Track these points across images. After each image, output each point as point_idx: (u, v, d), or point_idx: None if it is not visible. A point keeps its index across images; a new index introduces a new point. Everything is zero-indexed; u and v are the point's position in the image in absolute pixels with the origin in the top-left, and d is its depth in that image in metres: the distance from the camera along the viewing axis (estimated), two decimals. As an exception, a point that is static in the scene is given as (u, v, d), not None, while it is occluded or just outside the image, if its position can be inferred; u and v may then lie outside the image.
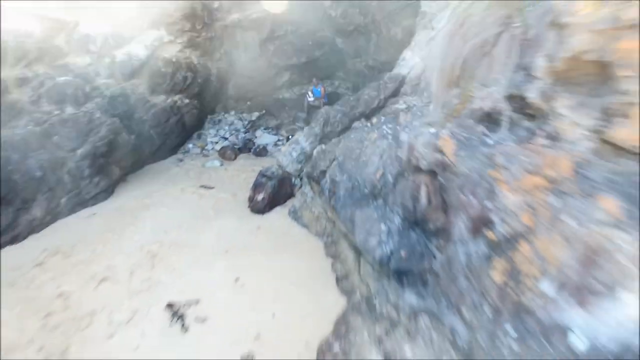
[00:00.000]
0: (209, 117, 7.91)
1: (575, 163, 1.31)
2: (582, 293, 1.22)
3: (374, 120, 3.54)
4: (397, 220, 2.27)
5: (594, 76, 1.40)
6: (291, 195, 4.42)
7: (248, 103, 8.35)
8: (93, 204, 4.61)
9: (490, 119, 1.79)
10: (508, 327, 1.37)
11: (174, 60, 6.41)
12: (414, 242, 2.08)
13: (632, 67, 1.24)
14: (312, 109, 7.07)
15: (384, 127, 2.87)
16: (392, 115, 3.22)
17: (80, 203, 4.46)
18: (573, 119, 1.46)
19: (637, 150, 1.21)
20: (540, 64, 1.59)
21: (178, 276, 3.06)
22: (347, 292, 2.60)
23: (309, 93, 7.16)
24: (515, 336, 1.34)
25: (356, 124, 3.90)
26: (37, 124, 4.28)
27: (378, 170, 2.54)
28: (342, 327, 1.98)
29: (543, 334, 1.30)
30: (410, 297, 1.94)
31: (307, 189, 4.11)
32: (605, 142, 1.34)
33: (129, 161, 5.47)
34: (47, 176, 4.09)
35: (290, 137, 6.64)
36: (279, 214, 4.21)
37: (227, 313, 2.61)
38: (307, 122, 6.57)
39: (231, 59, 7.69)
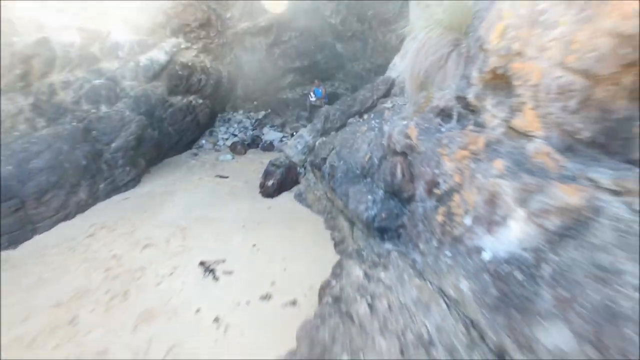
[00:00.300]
0: (219, 115, 8.60)
1: (488, 141, 1.99)
2: (489, 224, 1.90)
3: (365, 116, 4.22)
4: (380, 192, 2.95)
5: (504, 84, 2.09)
6: (296, 182, 5.10)
7: (255, 103, 9.03)
8: (124, 191, 5.31)
9: (444, 113, 2.46)
10: (446, 251, 2.05)
11: (189, 64, 7.11)
12: (392, 207, 2.76)
13: (522, 79, 1.92)
14: (313, 108, 7.75)
15: (373, 121, 3.54)
16: (379, 112, 3.90)
17: (115, 189, 5.17)
18: (493, 113, 2.14)
19: (527, 133, 1.89)
20: (475, 74, 2.26)
21: (206, 244, 3.75)
22: (342, 252, 3.28)
23: (311, 94, 7.83)
24: (450, 256, 2.03)
25: (351, 120, 4.59)
26: (79, 121, 4.98)
27: (366, 154, 3.22)
28: (337, 270, 2.64)
29: (467, 253, 1.98)
30: (388, 246, 2.61)
31: (310, 176, 4.79)
32: (510, 128, 2.02)
33: (152, 154, 6.17)
34: (89, 165, 4.80)
35: (294, 133, 7.32)
36: (286, 198, 4.89)
37: (248, 268, 3.30)
38: (310, 120, 7.26)
39: (240, 62, 8.37)
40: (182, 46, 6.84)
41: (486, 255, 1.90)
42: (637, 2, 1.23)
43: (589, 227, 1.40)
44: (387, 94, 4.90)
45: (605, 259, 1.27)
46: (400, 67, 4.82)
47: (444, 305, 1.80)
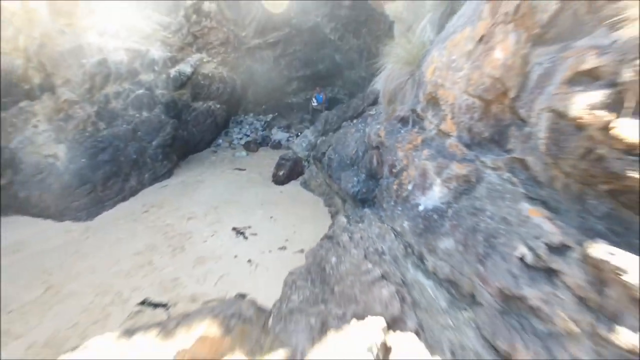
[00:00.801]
0: (233, 118, 9.81)
1: (424, 138, 3.19)
2: (423, 188, 3.10)
3: (355, 121, 5.42)
4: (362, 175, 4.15)
5: (436, 103, 3.29)
6: (302, 173, 6.30)
7: (263, 107, 10.23)
8: (162, 180, 6.52)
9: (403, 120, 3.66)
10: (399, 207, 3.25)
11: (210, 75, 8.31)
12: (370, 185, 3.95)
13: (444, 100, 3.11)
14: (315, 111, 8.95)
15: (359, 125, 4.73)
16: (364, 118, 5.08)
17: (155, 178, 6.38)
18: (431, 120, 3.34)
19: (448, 133, 3.08)
20: (421, 95, 3.47)
21: (234, 217, 4.96)
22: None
23: (313, 99, 9.03)
24: (400, 209, 3.23)
25: (345, 123, 5.79)
26: (128, 124, 6.20)
27: (354, 149, 4.42)
28: (331, 224, 3.82)
29: (410, 207, 3.18)
30: (366, 210, 3.81)
31: (312, 167, 5.98)
32: (440, 130, 3.22)
33: (181, 151, 7.39)
34: (138, 159, 6.02)
35: (299, 134, 8.52)
36: (293, 185, 6.10)
37: (268, 232, 4.51)
38: (312, 122, 8.46)
39: (251, 72, 9.57)
40: (204, 60, 8.05)
41: (421, 207, 3.10)
42: (502, 58, 2.40)
43: (475, 188, 2.60)
44: (374, 102, 6.08)
45: (479, 204, 2.46)
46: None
47: (393, 236, 3.00)
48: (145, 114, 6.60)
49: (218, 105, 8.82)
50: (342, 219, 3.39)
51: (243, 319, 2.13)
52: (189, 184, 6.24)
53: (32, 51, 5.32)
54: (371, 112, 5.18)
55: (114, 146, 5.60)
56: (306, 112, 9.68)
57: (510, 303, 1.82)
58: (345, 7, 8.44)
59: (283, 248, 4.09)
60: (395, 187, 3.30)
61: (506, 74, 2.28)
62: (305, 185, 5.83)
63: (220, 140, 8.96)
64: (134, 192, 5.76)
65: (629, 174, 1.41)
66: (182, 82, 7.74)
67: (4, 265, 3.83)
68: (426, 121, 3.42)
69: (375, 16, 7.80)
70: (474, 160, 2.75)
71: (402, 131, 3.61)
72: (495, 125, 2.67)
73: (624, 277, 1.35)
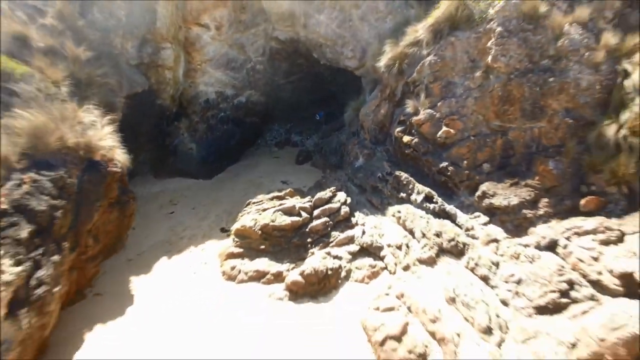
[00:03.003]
0: (266, 127, 14.78)
1: (359, 140, 8.20)
2: (356, 159, 8.12)
3: (336, 132, 10.33)
4: (338, 157, 9.12)
5: (362, 126, 8.33)
6: (311, 158, 11.24)
7: (285, 120, 15.18)
8: (236, 163, 11.49)
9: (353, 134, 8.61)
10: (349, 167, 8.28)
11: (254, 101, 13.29)
12: (340, 160, 8.92)
13: (366, 126, 8.16)
14: (317, 123, 13.91)
15: (338, 134, 9.65)
16: (341, 131, 9.98)
17: (233, 162, 11.35)
18: (361, 133, 8.38)
19: (366, 138, 8.08)
20: (358, 123, 8.49)
21: (280, 177, 9.89)
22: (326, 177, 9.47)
23: (317, 115, 13.99)
24: (349, 168, 8.27)
25: (333, 133, 10.71)
26: (219, 132, 11.19)
27: (335, 145, 9.38)
28: (322, 177, 8.69)
29: (352, 167, 8.21)
30: (338, 170, 8.76)
31: (317, 156, 10.95)
32: (364, 137, 8.24)
33: (242, 147, 12.39)
34: (225, 150, 11.01)
35: (308, 137, 13.48)
36: (306, 165, 11.04)
37: (296, 181, 9.45)
38: (316, 130, 13.39)
39: (278, 98, 14.48)
40: (252, 94, 13.04)
41: (355, 166, 8.12)
42: (383, 112, 7.41)
43: (373, 157, 7.65)
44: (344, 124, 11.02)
45: (372, 163, 7.45)
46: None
47: (345, 177, 7.95)
48: (225, 126, 11.62)
49: (258, 119, 13.80)
50: (326, 174, 8.37)
51: (289, 191, 7.07)
52: (251, 164, 11.23)
53: (175, 96, 10.34)
54: (344, 128, 10.13)
55: (215, 144, 10.60)
56: (312, 123, 14.63)
57: (377, 188, 6.85)
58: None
59: (304, 186, 9.01)
60: (348, 159, 8.28)
61: (382, 118, 7.30)
62: (313, 164, 10.80)
63: (259, 141, 13.94)
64: (225, 167, 10.76)
65: (406, 149, 6.45)
66: (239, 107, 12.73)
67: (174, 196, 8.80)
68: (360, 133, 8.40)
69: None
70: (374, 149, 7.77)
71: (352, 138, 8.57)
72: (383, 136, 7.70)
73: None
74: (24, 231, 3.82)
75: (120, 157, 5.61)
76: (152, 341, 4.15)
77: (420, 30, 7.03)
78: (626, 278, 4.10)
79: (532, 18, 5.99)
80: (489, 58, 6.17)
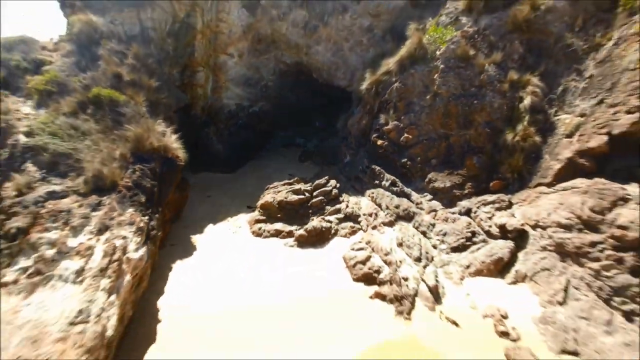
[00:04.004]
0: (274, 132, 17.28)
1: (346, 144, 10.73)
2: (346, 156, 10.65)
3: (332, 137, 12.78)
4: (333, 156, 11.62)
5: (348, 135, 10.88)
6: (311, 157, 13.74)
7: (290, 126, 17.67)
8: (252, 160, 14.03)
9: (342, 138, 11.10)
10: (341, 162, 10.81)
11: (265, 111, 15.78)
12: (336, 158, 11.41)
13: (353, 135, 10.70)
14: (317, 129, 16.41)
15: (334, 139, 12.12)
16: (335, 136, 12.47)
17: (251, 159, 13.90)
18: (349, 139, 10.93)
19: (352, 142, 10.60)
20: (347, 132, 11.01)
21: (287, 172, 12.41)
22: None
23: (317, 122, 16.49)
24: (342, 163, 10.81)
25: (330, 138, 13.17)
26: (238, 137, 13.72)
27: (331, 146, 11.87)
28: (320, 170, 11.15)
29: (344, 162, 10.74)
30: (333, 166, 11.22)
31: (316, 155, 13.45)
32: (350, 141, 10.78)
33: (257, 148, 14.92)
34: (245, 150, 13.54)
35: (309, 140, 15.96)
36: (308, 162, 13.54)
37: (299, 174, 11.99)
38: (316, 135, 15.88)
39: (284, 107, 16.99)
40: (264, 105, 15.55)
41: (345, 161, 10.64)
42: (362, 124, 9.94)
43: (357, 155, 10.16)
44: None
45: (357, 158, 9.96)
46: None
47: (338, 170, 10.45)
48: (243, 131, 14.15)
49: (268, 126, 16.33)
50: (323, 168, 10.89)
51: (296, 179, 9.56)
52: (264, 161, 13.76)
53: (205, 108, 12.86)
54: (337, 134, 12.61)
55: (236, 145, 13.13)
56: (312, 129, 17.14)
57: (359, 177, 9.39)
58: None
59: (306, 177, 11.50)
60: (339, 157, 10.80)
61: (364, 127, 9.85)
62: (313, 162, 13.30)
63: (270, 143, 16.46)
64: (244, 164, 13.29)
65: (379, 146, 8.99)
66: (253, 116, 15.25)
67: (208, 185, 11.33)
68: (348, 138, 10.93)
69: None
70: (357, 150, 10.33)
71: (342, 141, 11.07)
72: (364, 140, 10.22)
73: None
74: (142, 198, 6.36)
75: (182, 155, 8.13)
76: (209, 267, 6.67)
77: (390, 63, 9.54)
78: (502, 228, 6.63)
79: (463, 59, 8.49)
80: (435, 86, 8.68)
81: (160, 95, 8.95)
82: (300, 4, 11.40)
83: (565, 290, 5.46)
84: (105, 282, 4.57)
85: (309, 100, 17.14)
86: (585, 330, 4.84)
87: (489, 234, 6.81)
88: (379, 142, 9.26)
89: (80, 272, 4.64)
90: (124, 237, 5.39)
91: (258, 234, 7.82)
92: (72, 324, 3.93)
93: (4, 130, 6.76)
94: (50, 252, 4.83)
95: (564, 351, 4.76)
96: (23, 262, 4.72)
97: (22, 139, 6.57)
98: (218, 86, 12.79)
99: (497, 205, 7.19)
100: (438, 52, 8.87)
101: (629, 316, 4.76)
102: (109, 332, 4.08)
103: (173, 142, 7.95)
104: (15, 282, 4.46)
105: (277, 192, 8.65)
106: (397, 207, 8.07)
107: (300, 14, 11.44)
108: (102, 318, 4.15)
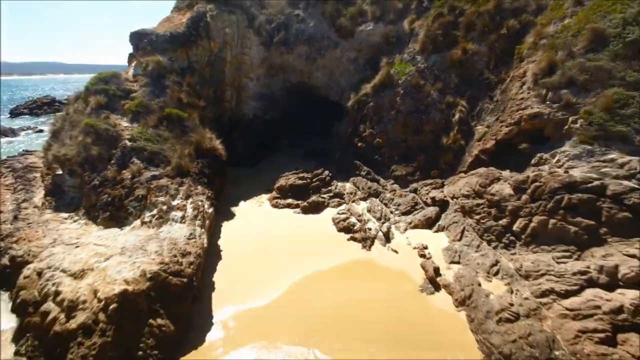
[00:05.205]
0: (282, 136, 20.75)
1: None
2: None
3: (327, 139, 16.20)
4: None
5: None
6: (312, 155, 17.18)
7: (294, 131, 21.11)
8: (267, 157, 17.52)
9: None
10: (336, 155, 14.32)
11: (274, 118, 19.26)
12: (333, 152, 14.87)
13: (365, 144, 14.20)
14: (316, 133, 19.85)
15: (330, 140, 15.51)
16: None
17: (268, 155, 17.39)
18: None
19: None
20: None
21: (295, 166, 15.90)
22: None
23: (316, 128, 19.93)
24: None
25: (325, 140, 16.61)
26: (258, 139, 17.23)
27: (327, 147, 15.31)
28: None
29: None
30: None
31: (315, 153, 16.91)
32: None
33: (268, 150, 18.43)
34: (262, 150, 17.04)
35: (310, 142, 19.42)
36: (308, 159, 16.99)
37: (304, 167, 15.48)
38: (315, 138, 19.34)
39: (288, 115, 20.43)
40: (274, 113, 19.03)
41: (336, 157, 14.12)
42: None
43: (344, 154, 13.64)
44: (336, 132, 16.93)
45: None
46: (339, 125, 16.93)
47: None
48: (259, 136, 17.61)
49: (276, 131, 19.79)
50: (320, 163, 14.37)
51: (301, 170, 13.01)
52: (275, 158, 17.20)
53: (231, 118, 16.34)
54: (331, 137, 16.03)
55: (254, 146, 16.60)
56: (312, 133, 20.59)
57: (345, 169, 12.91)
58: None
59: (307, 169, 14.96)
60: (333, 155, 14.28)
61: (349, 133, 13.36)
62: (313, 159, 16.76)
63: (278, 145, 19.93)
64: (260, 160, 16.75)
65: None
66: (266, 123, 18.69)
67: (235, 175, 14.81)
68: (338, 140, 14.42)
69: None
70: (345, 149, 13.81)
71: (334, 143, 14.53)
72: (350, 142, 13.69)
73: None
74: (205, 180, 9.85)
75: (223, 153, 11.62)
76: (245, 225, 10.18)
77: (368, 88, 13.02)
78: (433, 199, 10.10)
79: (416, 87, 11.95)
80: (398, 105, 12.14)
81: (205, 112, 12.44)
82: (303, 41, 14.84)
83: (462, 232, 8.93)
84: (197, 222, 8.08)
85: (309, 110, 20.61)
86: (465, 251, 8.32)
87: (425, 203, 10.29)
88: (359, 144, 12.74)
89: (183, 217, 8.15)
90: (201, 201, 8.89)
91: (275, 205, 11.31)
92: (189, 238, 7.43)
93: (114, 138, 10.28)
94: (164, 207, 8.34)
95: (452, 262, 8.22)
96: (150, 213, 8.24)
97: (128, 143, 10.07)
98: (240, 101, 16.25)
99: (433, 185, 10.68)
100: (400, 81, 12.35)
101: (489, 243, 8.23)
102: (205, 244, 7.57)
103: (218, 144, 11.46)
104: (150, 222, 7.97)
105: (288, 179, 12.14)
106: (369, 188, 11.55)
107: (303, 49, 14.89)
108: (200, 237, 7.66)
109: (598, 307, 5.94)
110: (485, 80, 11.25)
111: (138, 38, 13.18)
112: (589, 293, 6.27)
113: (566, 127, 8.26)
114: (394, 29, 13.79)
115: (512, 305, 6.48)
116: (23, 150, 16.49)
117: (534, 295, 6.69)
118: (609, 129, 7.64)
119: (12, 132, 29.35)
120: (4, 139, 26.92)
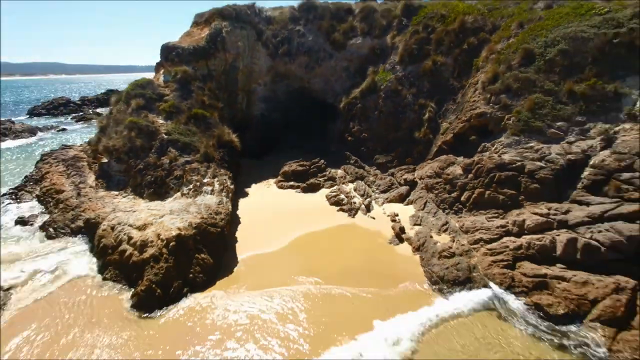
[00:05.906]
0: (284, 133, 23.24)
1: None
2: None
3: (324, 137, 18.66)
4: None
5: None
6: (311, 150, 19.66)
7: (295, 129, 23.61)
8: (274, 152, 20.01)
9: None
10: (332, 150, 16.85)
11: (277, 118, 21.75)
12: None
13: (354, 138, 16.72)
14: (315, 130, 22.34)
15: (326, 137, 18.00)
16: (327, 135, 18.32)
17: (271, 152, 19.88)
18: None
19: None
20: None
21: (292, 158, 18.38)
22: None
23: (314, 125, 22.42)
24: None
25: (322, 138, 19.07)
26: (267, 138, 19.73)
27: (323, 143, 17.82)
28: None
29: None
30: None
31: (314, 149, 19.41)
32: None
33: (273, 146, 20.93)
34: (269, 147, 19.55)
35: (310, 139, 21.90)
36: (308, 151, 19.49)
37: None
38: (314, 135, 21.81)
39: (290, 113, 22.89)
40: (277, 114, 21.52)
41: (331, 150, 16.63)
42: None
43: (338, 147, 16.15)
44: (332, 129, 19.40)
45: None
46: (334, 124, 19.39)
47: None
48: (265, 132, 20.12)
49: (280, 129, 22.28)
50: (317, 156, 16.88)
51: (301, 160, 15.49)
52: (278, 153, 19.67)
53: (242, 118, 18.85)
54: (328, 135, 18.48)
55: (261, 142, 19.08)
56: (311, 131, 23.05)
57: (337, 159, 15.43)
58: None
59: (307, 159, 17.43)
60: (328, 149, 16.78)
61: (342, 130, 15.89)
62: (311, 151, 19.25)
63: (281, 140, 22.42)
64: (267, 154, 19.23)
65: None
66: (270, 121, 21.18)
67: (247, 165, 17.32)
68: (333, 137, 16.95)
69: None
70: (338, 144, 16.35)
71: (330, 139, 17.02)
72: (342, 138, 16.23)
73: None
74: (226, 165, 12.38)
75: (238, 145, 14.11)
76: (257, 200, 12.67)
77: (356, 92, 15.53)
78: (406, 180, 12.61)
79: (395, 92, 14.44)
80: (380, 106, 14.64)
81: (223, 112, 14.94)
82: (303, 53, 17.33)
83: (425, 204, 11.40)
84: (223, 194, 10.60)
85: (308, 113, 23.09)
86: (425, 217, 10.81)
87: (399, 184, 12.77)
88: (349, 138, 15.24)
89: (212, 190, 10.66)
90: (224, 179, 11.41)
91: (280, 187, 13.83)
92: (218, 204, 9.94)
93: (153, 132, 12.78)
94: (197, 184, 10.85)
95: (415, 224, 10.69)
96: (187, 187, 10.76)
97: (165, 136, 12.58)
98: (250, 103, 18.74)
99: (406, 170, 13.17)
100: (382, 87, 14.84)
101: (444, 210, 10.70)
102: (229, 208, 10.08)
103: (234, 138, 13.97)
104: (187, 193, 10.48)
105: (290, 166, 14.67)
106: (356, 173, 14.06)
107: (303, 59, 17.38)
108: (227, 204, 10.17)
109: (507, 247, 8.44)
110: (450, 86, 13.73)
111: (167, 51, 15.68)
112: (504, 239, 8.77)
113: (503, 123, 10.74)
114: (379, 42, 16.26)
115: (450, 248, 8.96)
116: (62, 145, 19.07)
117: (468, 243, 9.17)
118: (531, 124, 10.13)
119: (39, 130, 31.92)
120: (35, 137, 29.47)
